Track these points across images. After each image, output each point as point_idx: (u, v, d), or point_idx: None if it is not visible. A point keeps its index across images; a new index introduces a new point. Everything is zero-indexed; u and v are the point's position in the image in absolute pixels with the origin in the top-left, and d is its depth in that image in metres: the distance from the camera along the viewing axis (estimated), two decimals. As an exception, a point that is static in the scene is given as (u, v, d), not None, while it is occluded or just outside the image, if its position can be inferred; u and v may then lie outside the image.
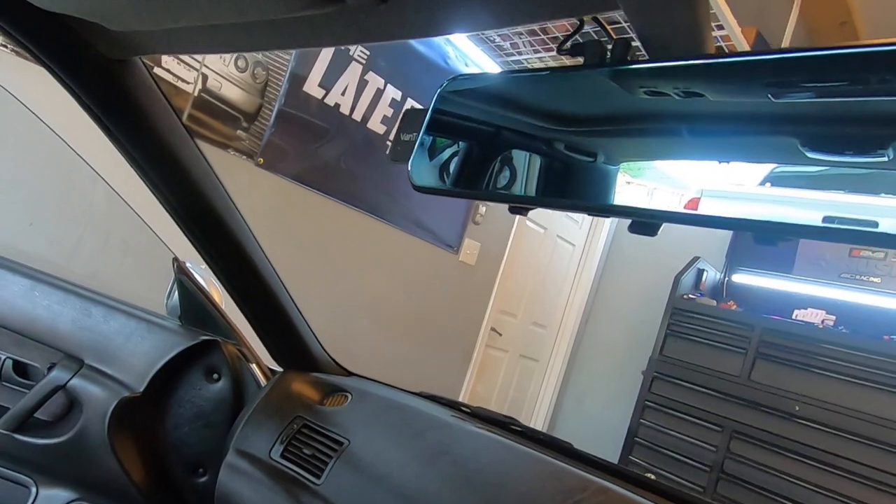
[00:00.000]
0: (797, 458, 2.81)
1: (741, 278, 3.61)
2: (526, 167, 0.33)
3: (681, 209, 0.27)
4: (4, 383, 1.15)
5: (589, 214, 0.31)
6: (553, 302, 4.38)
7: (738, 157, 0.31)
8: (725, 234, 3.66)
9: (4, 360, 1.15)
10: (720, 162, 0.31)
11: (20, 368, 1.16)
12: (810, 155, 0.30)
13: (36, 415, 1.09)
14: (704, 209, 0.27)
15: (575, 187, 0.31)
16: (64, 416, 1.13)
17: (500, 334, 4.01)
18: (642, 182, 0.30)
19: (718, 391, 3.10)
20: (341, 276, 2.91)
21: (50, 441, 1.08)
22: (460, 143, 0.37)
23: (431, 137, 0.37)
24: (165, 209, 0.91)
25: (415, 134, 0.36)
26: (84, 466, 1.10)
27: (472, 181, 0.36)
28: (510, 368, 4.23)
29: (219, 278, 1.02)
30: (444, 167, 0.38)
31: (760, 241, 0.27)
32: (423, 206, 3.14)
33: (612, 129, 0.35)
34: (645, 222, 0.28)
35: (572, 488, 0.72)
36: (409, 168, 0.38)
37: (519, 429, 0.92)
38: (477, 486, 0.78)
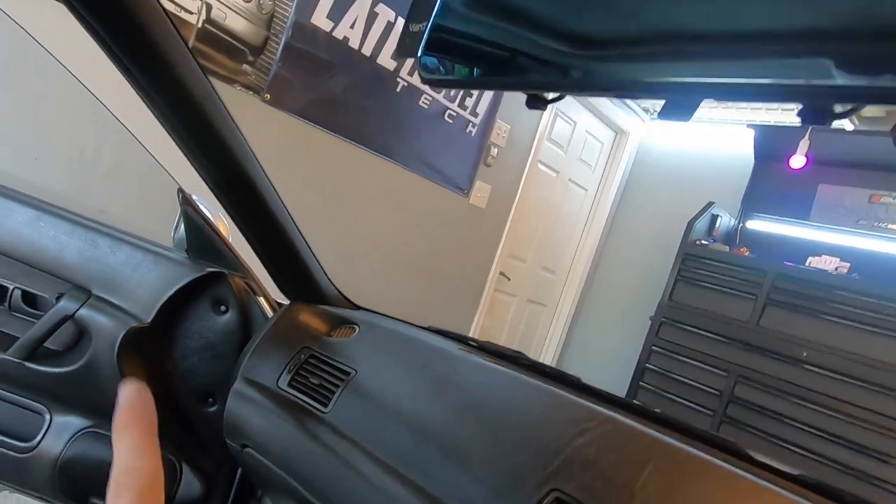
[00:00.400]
0: (802, 402, 2.83)
1: (755, 224, 3.56)
2: (546, 49, 0.29)
3: (726, 79, 0.24)
4: (14, 313, 1.15)
5: (617, 96, 0.28)
6: (563, 247, 4.36)
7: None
8: (742, 180, 3.58)
9: (13, 290, 1.15)
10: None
11: (29, 299, 1.16)
12: (841, 81, 0.24)
13: (46, 344, 1.10)
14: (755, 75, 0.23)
15: (599, 67, 0.28)
16: (73, 346, 1.14)
17: (509, 279, 4.01)
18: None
19: (726, 336, 3.11)
20: (349, 217, 2.89)
21: (60, 369, 1.09)
22: (474, 26, 0.34)
23: (443, 23, 0.34)
24: (167, 131, 0.87)
25: (424, 23, 0.33)
26: (95, 394, 1.11)
27: (487, 68, 0.33)
28: (518, 313, 4.26)
29: (225, 207, 0.99)
30: (456, 55, 0.35)
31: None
32: (434, 146, 3.08)
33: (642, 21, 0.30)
34: (679, 103, 0.25)
35: (580, 418, 0.71)
36: (419, 58, 0.35)
37: (527, 362, 0.92)
38: (483, 415, 0.77)
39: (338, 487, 0.76)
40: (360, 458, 0.75)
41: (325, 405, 0.84)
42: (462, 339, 0.99)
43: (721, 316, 3.14)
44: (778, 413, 2.91)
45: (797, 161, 3.09)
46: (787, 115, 3.26)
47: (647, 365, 3.44)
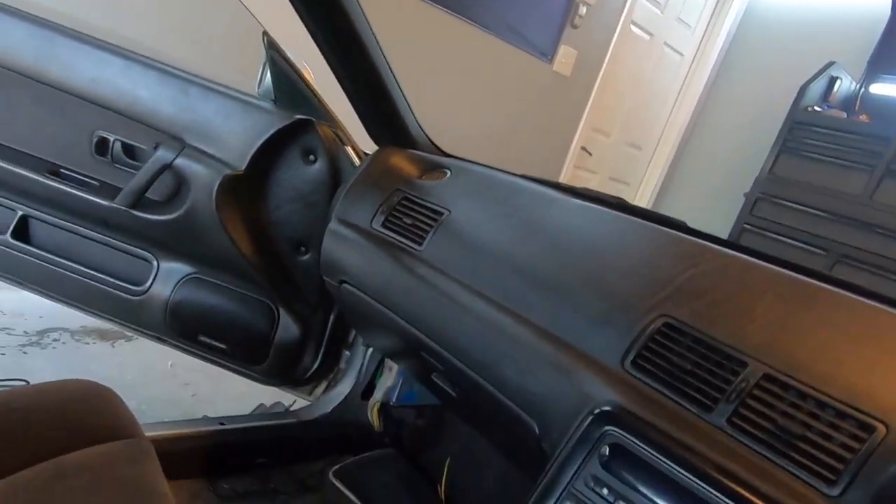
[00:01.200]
0: (910, 283, 2.64)
1: (881, 88, 3.14)
2: None
3: None
4: (116, 165, 1.21)
5: None
6: (651, 120, 4.08)
7: None
8: (870, 38, 3.12)
9: (114, 141, 1.20)
10: None
11: (128, 150, 1.20)
12: None
13: (148, 195, 1.15)
14: None
15: None
16: (174, 196, 1.19)
17: (591, 154, 3.84)
18: None
19: (830, 212, 2.87)
20: (418, 83, 2.75)
21: (164, 217, 1.15)
22: None
23: None
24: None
25: None
26: (197, 241, 1.17)
27: None
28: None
29: (321, 48, 0.95)
30: None
31: None
32: (517, 5, 2.85)
33: None
34: None
35: (692, 253, 0.67)
36: None
37: (629, 207, 0.86)
38: (585, 250, 0.74)
39: (436, 316, 0.77)
40: (457, 290, 0.75)
41: (420, 243, 0.84)
42: (558, 186, 0.94)
43: (827, 190, 2.88)
44: (881, 294, 2.73)
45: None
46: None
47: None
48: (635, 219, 0.77)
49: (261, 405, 1.43)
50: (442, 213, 0.86)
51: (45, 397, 0.72)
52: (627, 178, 4.27)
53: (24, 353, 1.60)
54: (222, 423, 1.11)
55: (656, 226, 0.75)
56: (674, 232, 0.73)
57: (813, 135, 2.95)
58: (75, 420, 0.71)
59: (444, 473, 1.14)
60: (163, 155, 1.14)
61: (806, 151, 2.98)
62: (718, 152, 3.99)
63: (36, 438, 0.67)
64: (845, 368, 0.48)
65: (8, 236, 1.22)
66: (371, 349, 1.24)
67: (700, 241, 0.70)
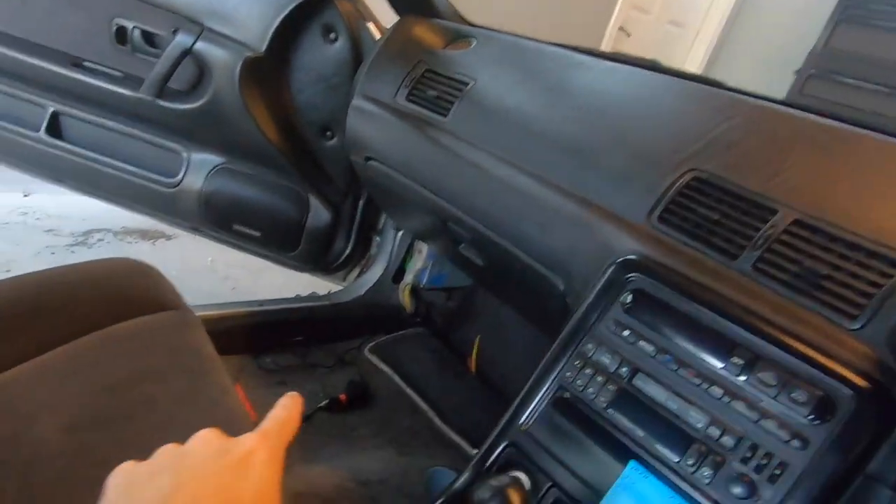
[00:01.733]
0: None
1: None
2: None
3: None
4: (138, 54, 1.19)
5: None
6: (697, -6, 3.77)
7: None
8: None
9: (132, 29, 1.17)
10: None
11: (148, 38, 1.18)
12: None
13: (172, 86, 1.13)
14: None
15: None
16: (197, 84, 1.18)
17: (629, 35, 3.61)
18: None
19: (889, 86, 2.66)
20: None
21: (189, 105, 1.14)
22: None
23: None
24: None
25: None
26: (223, 129, 1.16)
27: None
28: (637, 76, 3.90)
29: None
30: None
31: None
32: None
33: None
34: None
35: (726, 106, 0.63)
36: None
37: (664, 68, 0.82)
38: (614, 112, 0.71)
39: (461, 184, 0.77)
40: (482, 157, 0.74)
41: (444, 115, 0.82)
42: (590, 51, 0.89)
43: (888, 62, 2.66)
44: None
45: None
46: None
47: (782, 127, 3.10)
48: (667, 77, 0.73)
49: (297, 296, 1.49)
50: (467, 83, 0.83)
51: (91, 273, 0.76)
52: (669, 60, 4.02)
53: (72, 252, 1.68)
54: (261, 305, 1.16)
55: (688, 82, 0.71)
56: (706, 87, 0.69)
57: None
58: (121, 293, 0.75)
59: (475, 348, 1.19)
60: (182, 40, 1.11)
61: (868, 19, 2.73)
62: (769, 28, 3.69)
63: (85, 310, 0.70)
64: (879, 210, 0.46)
65: (42, 133, 1.23)
66: (401, 233, 1.25)
67: (733, 94, 0.66)
